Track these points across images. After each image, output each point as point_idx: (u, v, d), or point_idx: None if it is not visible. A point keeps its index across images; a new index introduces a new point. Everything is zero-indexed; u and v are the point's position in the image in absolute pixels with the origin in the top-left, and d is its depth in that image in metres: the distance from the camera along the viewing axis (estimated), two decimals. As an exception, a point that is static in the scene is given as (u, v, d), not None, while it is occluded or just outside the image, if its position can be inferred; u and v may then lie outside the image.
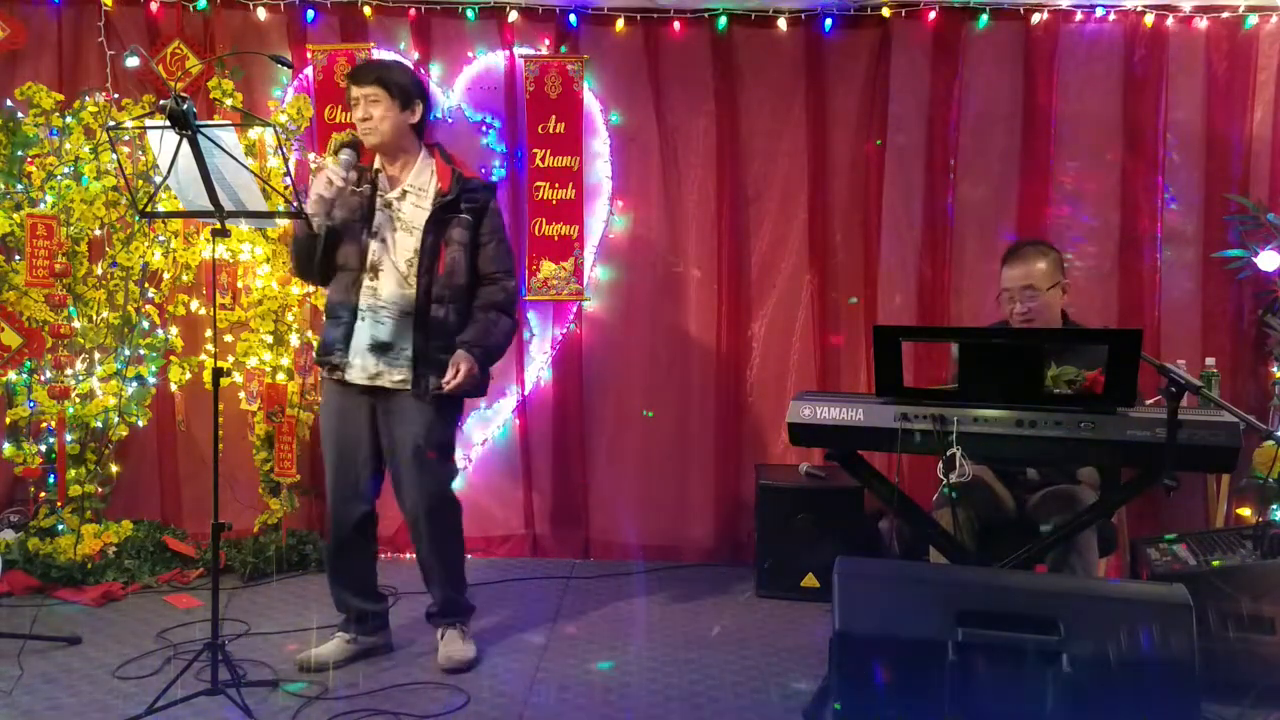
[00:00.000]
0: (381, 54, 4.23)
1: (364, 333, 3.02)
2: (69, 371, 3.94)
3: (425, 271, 3.01)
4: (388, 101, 2.99)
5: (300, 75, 4.27)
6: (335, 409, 3.10)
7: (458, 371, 2.96)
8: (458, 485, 4.38)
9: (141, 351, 4.10)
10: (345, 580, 3.17)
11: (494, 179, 4.15)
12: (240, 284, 4.06)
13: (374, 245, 3.03)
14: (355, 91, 3.01)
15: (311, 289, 4.06)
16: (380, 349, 3.01)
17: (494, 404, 4.40)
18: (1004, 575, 2.46)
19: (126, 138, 3.98)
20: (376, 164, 3.10)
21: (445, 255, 3.03)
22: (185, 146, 2.60)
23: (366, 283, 3.03)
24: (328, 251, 3.01)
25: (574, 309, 4.37)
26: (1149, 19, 4.15)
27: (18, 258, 3.89)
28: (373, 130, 3.00)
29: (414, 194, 3.06)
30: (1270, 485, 3.77)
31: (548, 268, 4.32)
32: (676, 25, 4.27)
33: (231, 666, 2.79)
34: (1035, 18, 4.17)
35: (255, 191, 2.74)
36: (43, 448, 3.97)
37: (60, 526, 3.94)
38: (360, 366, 3.02)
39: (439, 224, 3.03)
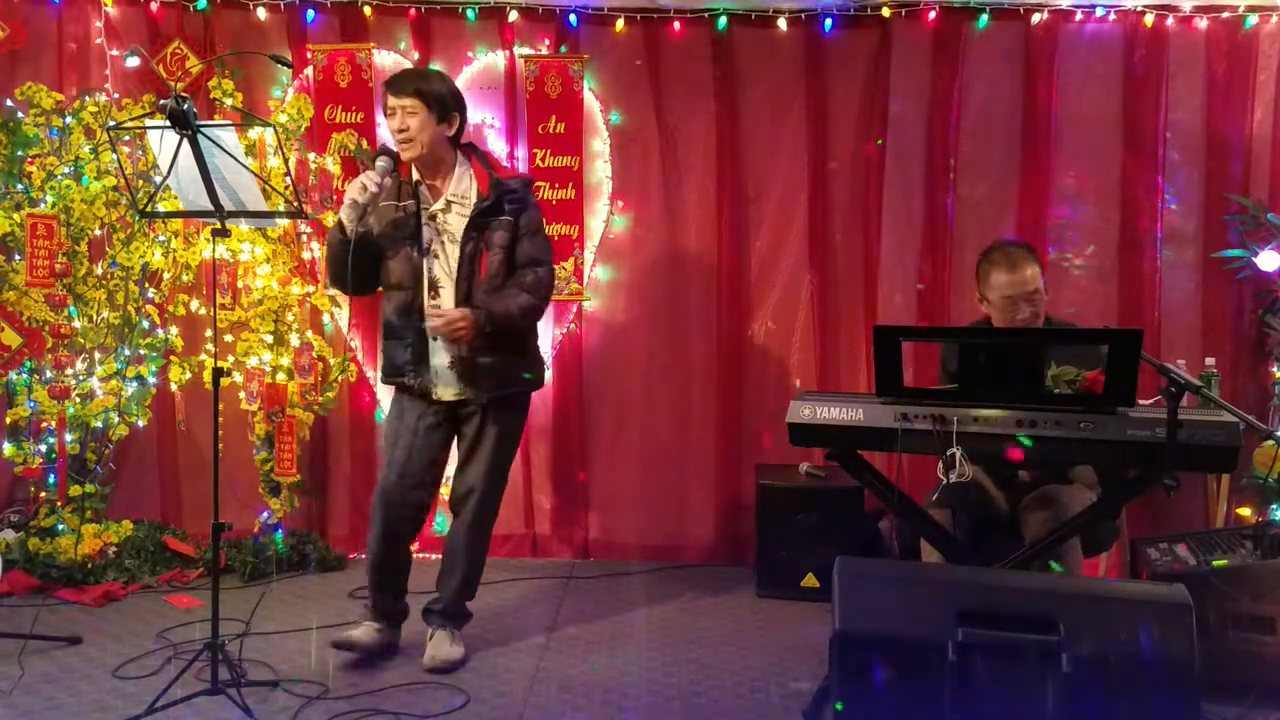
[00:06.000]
0: (382, 55, 4.24)
1: (442, 353, 3.01)
2: (69, 371, 3.94)
3: (465, 279, 2.99)
4: (425, 114, 2.95)
5: (300, 75, 4.27)
6: (409, 417, 3.09)
7: (449, 318, 2.93)
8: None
9: (141, 351, 4.10)
10: (388, 575, 3.16)
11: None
12: (240, 284, 4.05)
13: (428, 263, 3.01)
14: (393, 101, 2.97)
15: (311, 289, 4.06)
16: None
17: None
18: (1004, 575, 2.47)
19: (126, 138, 3.98)
20: (415, 176, 3.06)
21: (487, 260, 3.00)
22: (185, 146, 2.60)
23: (429, 302, 3.01)
24: (365, 263, 2.98)
25: (574, 309, 4.37)
26: (1149, 19, 4.15)
27: (18, 258, 3.89)
28: (410, 142, 2.96)
29: (458, 204, 3.04)
30: (1270, 485, 3.77)
31: (548, 268, 4.31)
32: (676, 25, 4.26)
33: (232, 666, 2.79)
34: (1035, 18, 4.16)
35: (255, 191, 2.74)
36: (43, 448, 3.97)
37: (60, 526, 3.94)
38: (445, 387, 3.04)
39: (479, 229, 3.00)
